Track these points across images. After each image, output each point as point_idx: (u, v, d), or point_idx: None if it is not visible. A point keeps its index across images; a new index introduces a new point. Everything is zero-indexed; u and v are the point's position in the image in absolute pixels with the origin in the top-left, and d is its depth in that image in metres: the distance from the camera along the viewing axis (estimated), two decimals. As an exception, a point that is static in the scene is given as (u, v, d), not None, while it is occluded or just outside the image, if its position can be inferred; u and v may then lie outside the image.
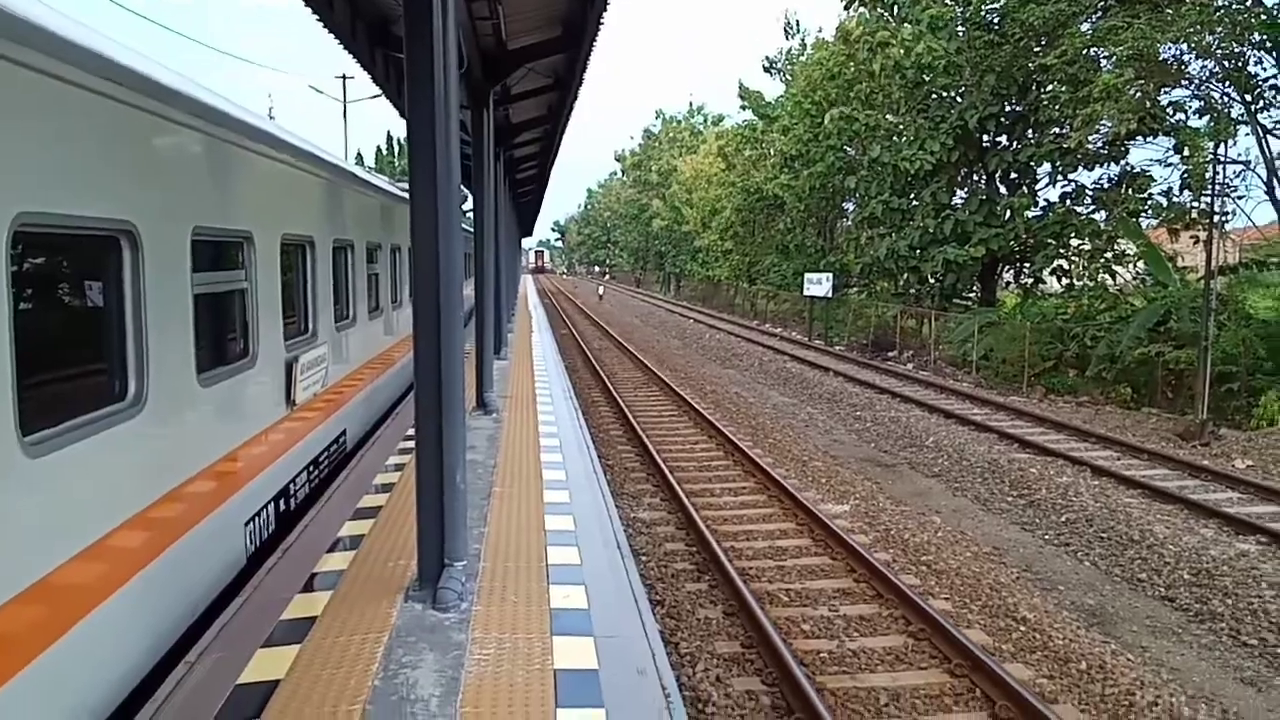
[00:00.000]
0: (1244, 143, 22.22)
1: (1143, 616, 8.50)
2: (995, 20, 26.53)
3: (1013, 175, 28.08)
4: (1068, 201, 26.55)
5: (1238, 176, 20.69)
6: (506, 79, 11.61)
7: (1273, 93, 20.81)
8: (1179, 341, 19.76)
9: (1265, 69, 20.78)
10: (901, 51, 27.34)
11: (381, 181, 14.26)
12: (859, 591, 8.37)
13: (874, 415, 18.53)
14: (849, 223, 38.48)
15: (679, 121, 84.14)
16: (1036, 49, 24.87)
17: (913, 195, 29.51)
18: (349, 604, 5.26)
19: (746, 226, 47.85)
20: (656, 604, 7.84)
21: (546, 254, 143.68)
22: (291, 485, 7.65)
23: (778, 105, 43.11)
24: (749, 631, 7.30)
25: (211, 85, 6.29)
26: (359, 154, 71.88)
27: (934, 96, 28.76)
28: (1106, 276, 25.77)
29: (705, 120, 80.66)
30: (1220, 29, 19.77)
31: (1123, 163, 24.94)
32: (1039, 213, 27.10)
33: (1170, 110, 22.61)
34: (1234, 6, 19.69)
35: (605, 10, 9.27)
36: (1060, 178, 26.73)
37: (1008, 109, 27.25)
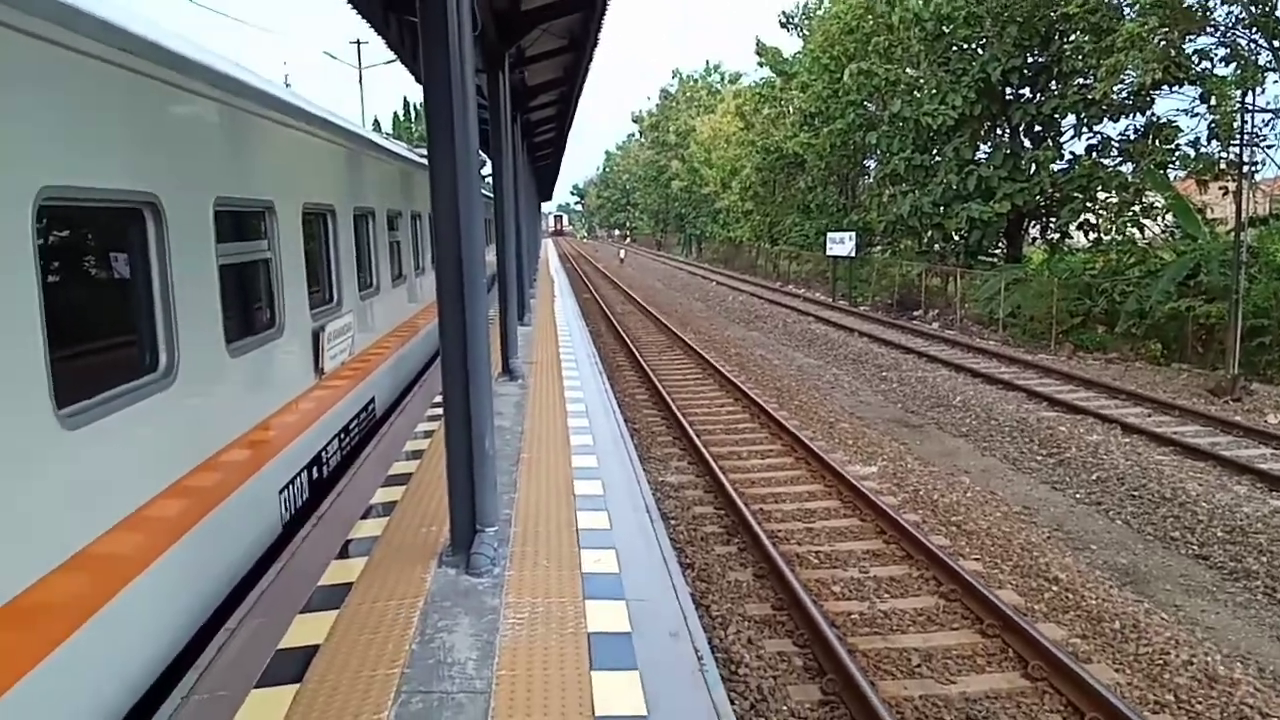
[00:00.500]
0: (1273, 90, 21.73)
1: (1176, 575, 8.44)
2: (1016, -32, 25.87)
3: (1037, 128, 27.56)
4: (1093, 154, 26.08)
5: (1267, 125, 20.12)
6: (521, 41, 11.47)
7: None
8: (1209, 295, 19.42)
9: (1294, 13, 20.17)
10: (920, 3, 26.79)
11: (400, 148, 14.20)
12: (889, 553, 8.35)
13: (900, 375, 18.40)
14: (871, 180, 38.06)
15: (696, 81, 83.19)
16: (1059, -3, 24.29)
17: (935, 151, 29.04)
18: (384, 570, 5.31)
19: (767, 186, 47.41)
20: (686, 567, 7.87)
21: (565, 218, 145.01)
22: (323, 453, 7.71)
23: (796, 62, 42.44)
24: (779, 594, 7.31)
25: (226, 52, 6.25)
26: (376, 120, 71.69)
27: (954, 49, 28.18)
28: (1134, 230, 25.26)
29: (723, 79, 79.63)
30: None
31: (1149, 113, 24.37)
32: (1064, 166, 26.65)
33: (1196, 58, 21.94)
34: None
35: (622, -33, 9.08)
36: (1085, 130, 26.24)
37: (1030, 60, 26.70)
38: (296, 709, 3.81)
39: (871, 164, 37.56)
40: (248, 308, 6.39)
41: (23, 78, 3.51)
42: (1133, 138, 25.07)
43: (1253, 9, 20.11)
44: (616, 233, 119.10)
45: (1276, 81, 20.52)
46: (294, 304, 6.94)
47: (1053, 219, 27.78)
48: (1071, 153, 27.21)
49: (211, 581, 5.16)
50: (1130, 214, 25.02)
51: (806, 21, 45.05)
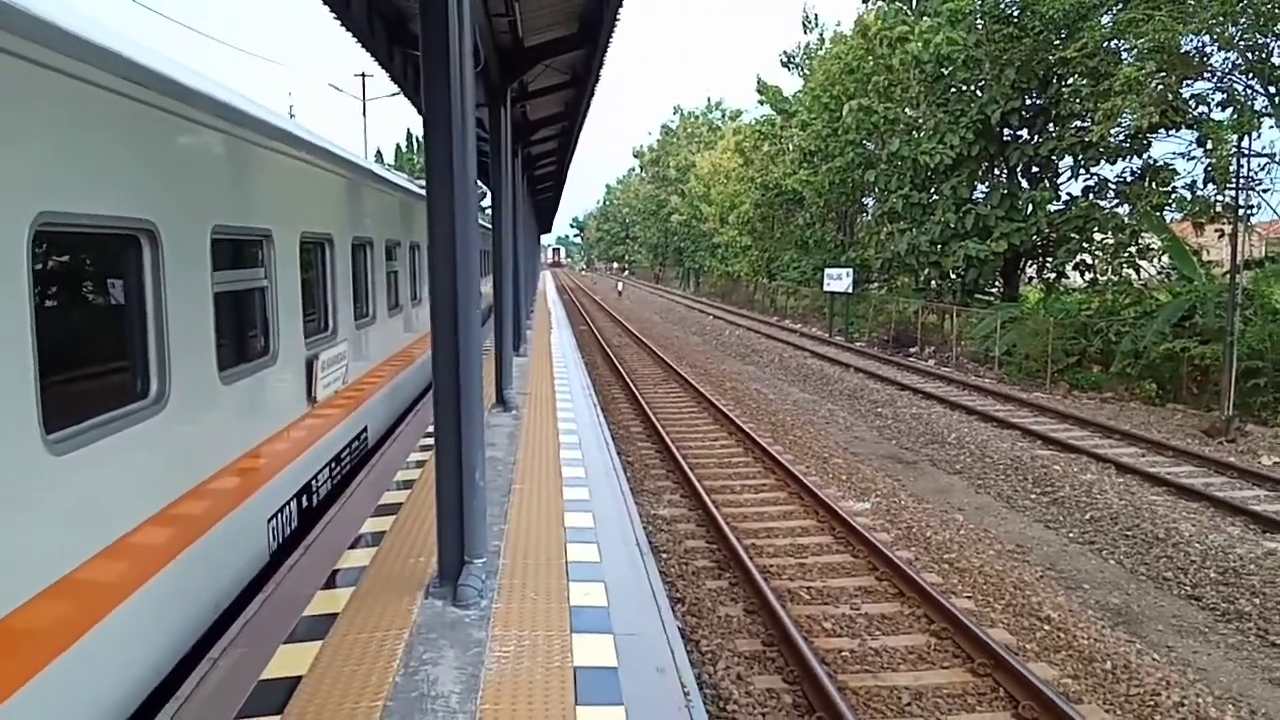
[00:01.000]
0: (1268, 135, 21.94)
1: (1169, 615, 8.40)
2: (1014, 13, 26.28)
3: (1034, 169, 27.79)
4: (1090, 195, 26.27)
5: (1262, 169, 20.31)
6: (523, 76, 11.63)
7: (1298, 85, 20.50)
8: (1204, 337, 19.49)
9: (1289, 60, 20.48)
10: (920, 45, 27.15)
11: (400, 179, 14.30)
12: (881, 590, 8.31)
13: (895, 412, 18.41)
14: (869, 217, 38.29)
15: (697, 117, 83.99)
16: (1056, 42, 24.65)
17: (933, 190, 29.28)
18: (370, 601, 5.28)
19: (765, 222, 47.74)
20: (677, 601, 7.83)
21: (563, 250, 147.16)
22: (313, 482, 7.68)
23: (796, 101, 42.94)
24: (770, 629, 7.27)
25: (232, 84, 6.32)
26: (378, 152, 72.29)
27: (953, 90, 28.53)
28: (1130, 271, 25.43)
29: (723, 115, 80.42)
30: (1243, 20, 19.48)
31: (1145, 156, 24.63)
32: (1061, 207, 26.84)
33: (1193, 103, 22.28)
34: (1257, -3, 19.40)
35: (621, 6, 9.25)
36: (1082, 171, 26.44)
37: (1028, 102, 27.00)
38: (277, 740, 3.77)
39: (870, 201, 37.83)
40: (242, 335, 6.41)
41: (23, 103, 3.55)
42: (1129, 180, 25.29)
43: (1249, 55, 20.43)
44: (615, 265, 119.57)
45: (1272, 127, 20.78)
46: (288, 332, 6.95)
47: (1049, 259, 27.96)
48: (1068, 194, 27.45)
49: (196, 610, 5.12)
50: (1126, 255, 25.19)
51: (808, 61, 45.65)
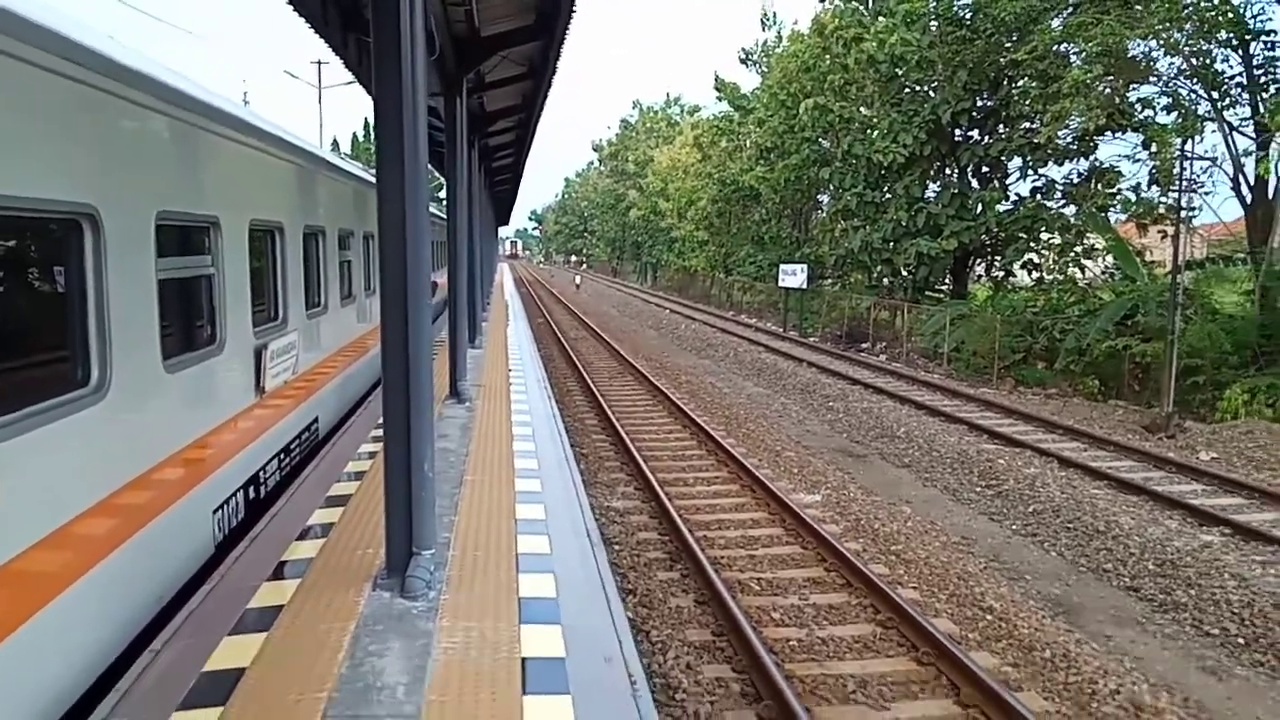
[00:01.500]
0: (1211, 139, 22.60)
1: (1108, 606, 8.64)
2: (967, 15, 26.77)
3: (984, 169, 28.32)
4: (1038, 196, 26.86)
5: (1205, 173, 20.99)
6: (480, 66, 11.55)
7: (1239, 90, 21.13)
8: (1146, 335, 20.05)
9: (1232, 67, 21.14)
10: (875, 45, 27.48)
11: (355, 168, 14.13)
12: (829, 580, 8.44)
13: (846, 406, 18.65)
14: (823, 215, 38.66)
15: (656, 112, 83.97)
16: (1008, 44, 25.14)
17: (886, 188, 29.68)
18: (317, 593, 5.22)
19: (722, 218, 47.96)
20: (629, 593, 7.87)
21: (520, 243, 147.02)
22: (261, 473, 7.58)
23: (753, 98, 43.18)
24: (720, 620, 7.34)
25: (184, 69, 6.20)
26: (335, 140, 71.28)
27: (907, 90, 28.96)
28: (1076, 270, 26.07)
29: (682, 111, 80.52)
30: (1188, 26, 20.02)
31: (1092, 158, 25.26)
32: (1010, 207, 27.39)
33: (1139, 107, 22.93)
34: (1202, 4, 19.94)
35: (576, -2, 9.22)
36: (1031, 172, 27.03)
37: (979, 104, 27.50)
38: (219, 732, 3.73)
39: (824, 199, 38.20)
40: (188, 324, 6.30)
41: None
42: (1076, 181, 25.90)
43: (1194, 61, 21.00)
44: (573, 259, 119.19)
45: (1215, 131, 21.41)
46: (236, 321, 6.85)
47: (998, 257, 28.54)
48: (1017, 194, 28.08)
49: (138, 602, 5.04)
50: (1072, 255, 25.81)
51: (766, 59, 45.92)
